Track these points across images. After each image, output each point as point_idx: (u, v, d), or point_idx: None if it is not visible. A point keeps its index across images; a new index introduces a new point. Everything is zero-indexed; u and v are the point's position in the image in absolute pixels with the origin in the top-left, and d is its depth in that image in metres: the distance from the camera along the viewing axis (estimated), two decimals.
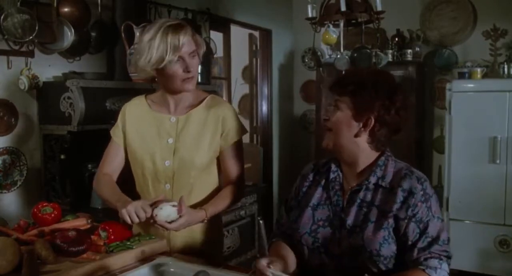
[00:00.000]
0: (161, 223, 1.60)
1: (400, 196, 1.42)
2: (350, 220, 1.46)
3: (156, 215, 1.59)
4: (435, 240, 1.39)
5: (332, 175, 1.54)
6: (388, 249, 1.40)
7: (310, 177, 1.61)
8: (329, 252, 1.46)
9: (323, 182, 1.56)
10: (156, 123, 1.83)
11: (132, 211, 1.58)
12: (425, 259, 1.37)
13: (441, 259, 1.38)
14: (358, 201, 1.47)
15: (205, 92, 1.92)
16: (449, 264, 1.39)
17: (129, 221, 1.59)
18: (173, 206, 1.62)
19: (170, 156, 1.79)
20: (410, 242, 1.40)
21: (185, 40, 1.69)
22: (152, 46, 1.67)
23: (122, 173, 1.92)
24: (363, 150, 1.50)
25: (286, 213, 1.64)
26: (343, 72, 1.56)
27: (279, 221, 1.67)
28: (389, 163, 1.51)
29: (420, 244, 1.39)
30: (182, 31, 1.69)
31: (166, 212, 1.60)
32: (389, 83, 1.48)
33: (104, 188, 1.84)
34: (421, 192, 1.42)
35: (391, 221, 1.41)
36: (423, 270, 1.36)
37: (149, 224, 1.83)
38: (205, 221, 1.75)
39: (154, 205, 1.62)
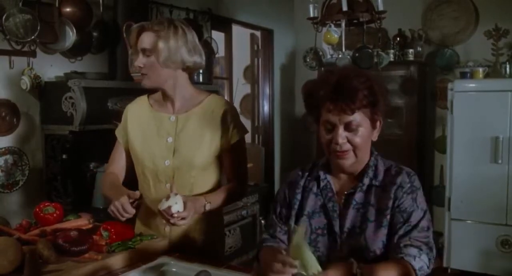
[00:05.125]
0: (179, 215, 1.60)
1: (392, 191, 1.44)
2: (348, 223, 1.45)
3: (176, 211, 1.59)
4: (414, 227, 1.40)
5: (322, 183, 1.52)
6: (388, 246, 1.41)
7: (301, 183, 1.57)
8: (329, 260, 1.44)
9: (315, 189, 1.53)
10: (156, 122, 1.84)
11: (115, 211, 1.64)
12: (405, 246, 1.37)
13: (421, 250, 1.37)
14: (354, 203, 1.46)
15: (206, 91, 1.92)
16: (430, 258, 1.38)
17: (117, 219, 1.65)
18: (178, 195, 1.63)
19: (169, 155, 1.80)
20: (393, 231, 1.41)
21: (140, 36, 1.76)
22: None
23: (128, 174, 1.93)
24: (368, 154, 1.51)
25: (280, 221, 1.57)
26: (327, 83, 1.45)
27: (269, 230, 1.60)
28: (379, 162, 1.51)
29: (401, 232, 1.40)
30: (138, 28, 1.77)
31: (180, 205, 1.61)
32: (375, 76, 1.48)
33: (105, 185, 1.87)
34: (408, 185, 1.44)
35: (389, 218, 1.42)
36: (402, 258, 1.35)
37: (150, 222, 1.85)
38: (207, 207, 1.74)
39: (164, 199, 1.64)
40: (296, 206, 1.54)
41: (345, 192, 1.49)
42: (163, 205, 1.60)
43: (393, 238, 1.40)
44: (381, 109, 1.44)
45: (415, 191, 1.45)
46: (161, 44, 1.72)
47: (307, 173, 1.58)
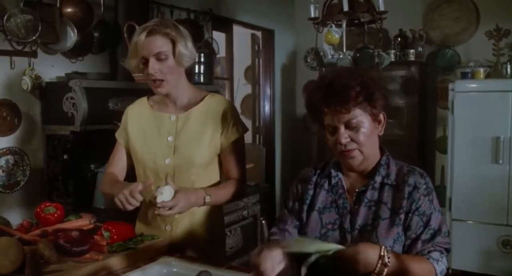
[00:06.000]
0: (162, 204, 1.59)
1: (406, 191, 1.44)
2: (360, 221, 1.46)
3: (161, 200, 1.59)
4: (438, 232, 1.42)
5: (333, 180, 1.54)
6: (400, 245, 1.42)
7: (313, 179, 1.58)
8: None
9: (326, 185, 1.55)
10: (156, 122, 1.85)
11: (123, 200, 1.60)
12: (429, 252, 1.40)
13: (442, 253, 1.41)
14: (366, 201, 1.47)
15: (206, 90, 1.93)
16: (447, 259, 1.43)
17: (123, 209, 1.62)
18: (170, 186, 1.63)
19: (170, 154, 1.80)
20: (414, 235, 1.42)
21: (148, 40, 1.69)
22: (129, 51, 1.76)
23: (128, 175, 1.94)
24: (377, 151, 1.51)
25: (292, 215, 1.58)
26: (321, 85, 1.46)
27: (279, 224, 1.61)
28: (391, 162, 1.52)
29: (424, 236, 1.41)
30: (146, 31, 1.69)
31: (167, 195, 1.61)
32: (369, 70, 1.48)
33: (104, 183, 1.88)
34: (424, 186, 1.45)
35: (402, 217, 1.43)
36: (427, 259, 1.39)
37: (151, 222, 1.85)
38: (207, 200, 1.73)
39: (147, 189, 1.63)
40: (307, 201, 1.55)
41: (356, 190, 1.50)
42: (153, 195, 1.62)
43: (416, 243, 1.41)
44: (380, 103, 1.44)
45: (431, 193, 1.46)
46: (179, 45, 1.73)
47: (319, 171, 1.60)
